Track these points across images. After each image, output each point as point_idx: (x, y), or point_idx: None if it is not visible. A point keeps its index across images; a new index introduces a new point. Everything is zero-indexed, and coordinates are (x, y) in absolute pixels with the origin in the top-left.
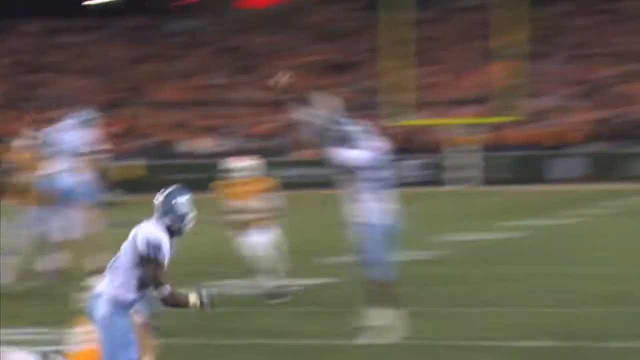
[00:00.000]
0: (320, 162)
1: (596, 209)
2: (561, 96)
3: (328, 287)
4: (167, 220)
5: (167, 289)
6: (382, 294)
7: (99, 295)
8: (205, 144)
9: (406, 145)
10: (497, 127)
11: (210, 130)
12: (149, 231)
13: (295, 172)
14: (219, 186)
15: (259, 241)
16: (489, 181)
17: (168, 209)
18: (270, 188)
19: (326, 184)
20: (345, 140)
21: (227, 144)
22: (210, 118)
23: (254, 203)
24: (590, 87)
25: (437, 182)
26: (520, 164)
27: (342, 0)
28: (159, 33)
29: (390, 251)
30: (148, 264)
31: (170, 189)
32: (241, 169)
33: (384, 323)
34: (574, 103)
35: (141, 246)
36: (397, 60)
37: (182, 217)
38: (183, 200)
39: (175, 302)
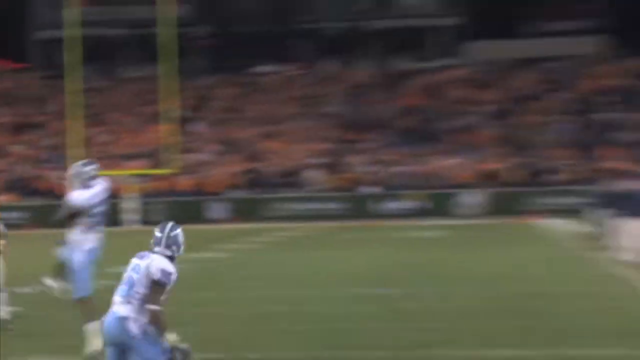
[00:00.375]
0: (9, 207)
1: (242, 244)
2: (210, 152)
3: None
4: (172, 250)
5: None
6: (86, 308)
7: (125, 318)
8: None
9: None
10: (160, 177)
11: None
12: (163, 263)
13: None
14: None
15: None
16: (155, 222)
17: (172, 241)
18: None
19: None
20: (84, 183)
21: None
22: None
23: None
24: (233, 145)
25: (113, 223)
26: (179, 207)
27: (29, 70)
28: None
29: (93, 272)
30: (158, 288)
31: (168, 224)
32: None
33: (93, 335)
34: (221, 157)
35: (156, 274)
36: (77, 121)
37: (180, 246)
38: (180, 232)
39: (159, 323)
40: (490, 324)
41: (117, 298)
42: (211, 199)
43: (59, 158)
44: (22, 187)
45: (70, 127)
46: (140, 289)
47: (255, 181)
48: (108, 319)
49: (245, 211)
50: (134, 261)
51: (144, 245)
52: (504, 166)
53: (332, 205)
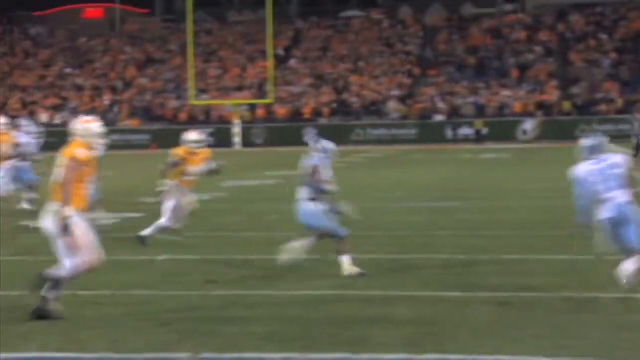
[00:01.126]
0: (134, 130)
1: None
2: (304, 85)
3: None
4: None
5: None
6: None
7: (628, 202)
8: (51, 117)
9: (203, 118)
10: (263, 106)
11: (57, 107)
12: (622, 156)
13: (122, 137)
14: (183, 154)
15: (193, 198)
16: (254, 144)
17: (600, 149)
18: (211, 156)
19: (141, 146)
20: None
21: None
22: (57, 98)
23: (201, 168)
24: (323, 78)
25: (225, 144)
26: (277, 132)
27: (151, 15)
28: (22, 37)
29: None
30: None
31: (594, 138)
32: (200, 141)
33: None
34: (313, 90)
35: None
36: (194, 58)
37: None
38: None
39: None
40: (534, 234)
41: (611, 192)
42: (304, 125)
43: (179, 89)
44: (145, 113)
45: (188, 64)
46: (618, 178)
47: (338, 111)
48: (613, 206)
49: (333, 136)
50: (606, 163)
51: (252, 164)
52: (557, 97)
53: (407, 131)
